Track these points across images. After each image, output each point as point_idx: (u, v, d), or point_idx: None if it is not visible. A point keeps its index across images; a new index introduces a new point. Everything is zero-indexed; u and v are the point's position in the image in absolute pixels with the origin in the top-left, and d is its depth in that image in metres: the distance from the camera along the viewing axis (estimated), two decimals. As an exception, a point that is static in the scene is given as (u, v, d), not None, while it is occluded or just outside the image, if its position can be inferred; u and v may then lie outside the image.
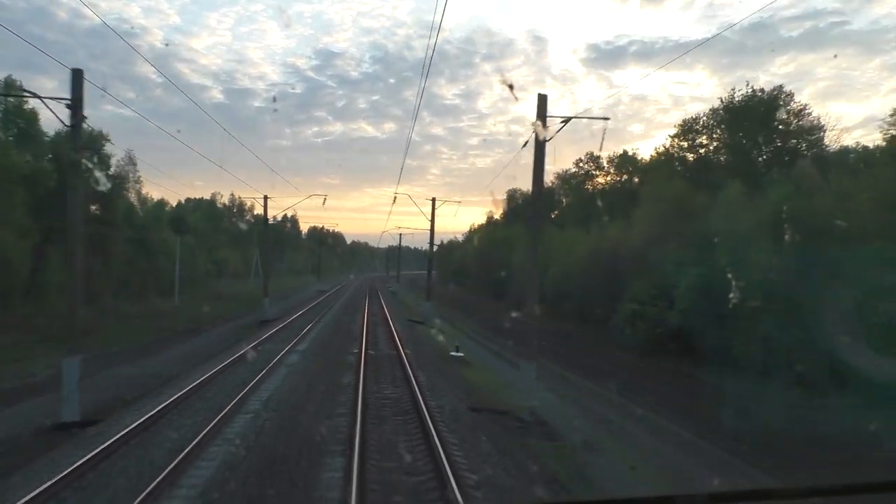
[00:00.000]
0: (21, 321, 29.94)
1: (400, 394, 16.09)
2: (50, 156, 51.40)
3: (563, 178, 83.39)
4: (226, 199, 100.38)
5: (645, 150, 59.84)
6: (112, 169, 56.11)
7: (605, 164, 69.58)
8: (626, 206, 56.31)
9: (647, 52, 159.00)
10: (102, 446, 10.76)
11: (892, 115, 29.23)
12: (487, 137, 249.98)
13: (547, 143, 15.38)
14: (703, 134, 56.89)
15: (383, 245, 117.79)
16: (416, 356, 22.39)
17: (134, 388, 16.66)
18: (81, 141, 14.60)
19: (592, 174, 71.48)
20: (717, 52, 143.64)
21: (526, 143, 16.23)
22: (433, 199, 37.31)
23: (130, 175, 70.25)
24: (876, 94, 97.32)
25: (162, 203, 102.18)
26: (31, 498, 8.39)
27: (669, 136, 62.60)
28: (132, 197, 68.95)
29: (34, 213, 36.17)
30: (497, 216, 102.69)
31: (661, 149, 62.50)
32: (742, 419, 18.26)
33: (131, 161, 71.08)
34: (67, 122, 13.92)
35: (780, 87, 44.16)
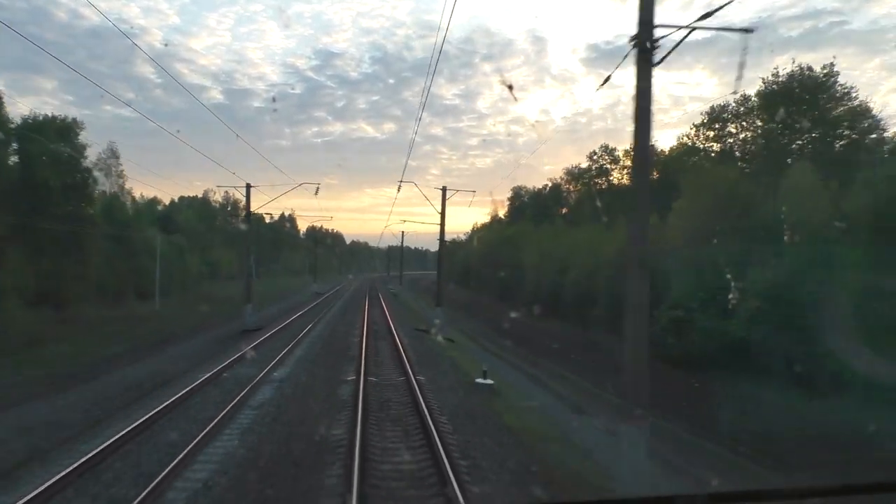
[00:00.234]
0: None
1: (419, 463, 10.17)
2: (15, 146, 45.31)
3: (573, 173, 77.73)
4: (219, 197, 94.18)
5: (664, 142, 55.41)
6: (88, 160, 50.15)
7: (620, 157, 63.70)
8: (655, 201, 50.45)
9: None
10: None
11: None
12: (487, 138, 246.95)
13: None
14: (734, 122, 51.15)
15: (383, 245, 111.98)
16: (431, 385, 16.46)
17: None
18: None
19: (606, 168, 65.56)
20: (716, 52, 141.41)
21: (608, 77, 10.28)
22: (443, 189, 31.48)
23: (113, 168, 64.61)
24: (876, 93, 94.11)
25: (154, 201, 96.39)
26: None
27: (694, 124, 56.99)
28: (113, 191, 63.08)
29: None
30: (501, 214, 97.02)
31: (685, 139, 56.85)
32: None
33: (113, 154, 65.02)
34: None
35: (832, 65, 38.27)
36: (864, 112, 38.50)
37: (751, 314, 25.32)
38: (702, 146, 54.96)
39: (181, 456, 9.78)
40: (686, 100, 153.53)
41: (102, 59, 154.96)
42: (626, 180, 62.76)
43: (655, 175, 60.25)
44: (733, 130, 51.55)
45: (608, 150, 63.81)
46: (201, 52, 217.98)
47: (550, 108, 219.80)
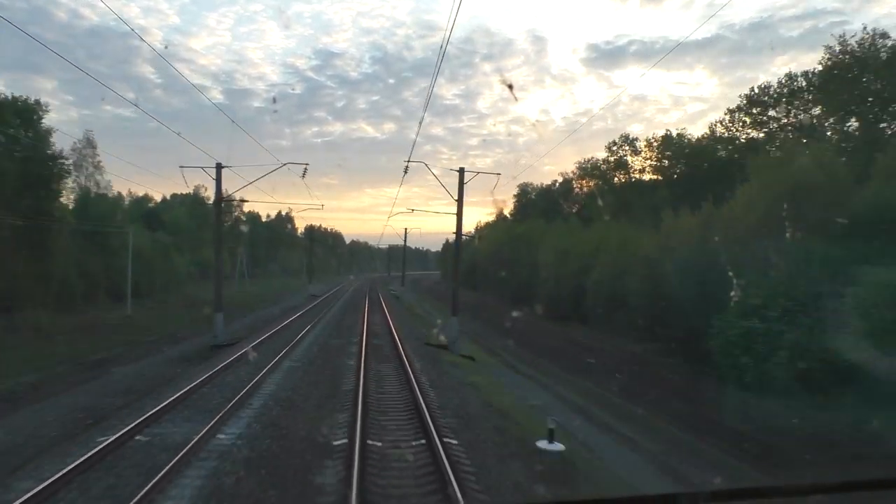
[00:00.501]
0: None
1: None
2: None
3: (585, 167, 71.21)
4: (210, 193, 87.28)
5: (693, 130, 49.69)
6: (54, 148, 43.51)
7: (641, 148, 57.13)
8: (686, 194, 43.97)
9: (647, 52, 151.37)
10: None
11: None
12: (487, 138, 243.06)
13: None
14: (778, 104, 44.64)
15: (384, 245, 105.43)
16: (472, 459, 9.88)
17: None
18: None
19: (624, 161, 58.93)
20: (716, 52, 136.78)
21: None
22: (461, 171, 24.88)
23: (89, 159, 57.85)
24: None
25: (146, 199, 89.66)
26: None
27: (728, 109, 50.45)
28: (89, 184, 56.40)
29: None
30: (507, 212, 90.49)
31: (718, 126, 50.33)
32: None
33: (90, 143, 58.24)
34: None
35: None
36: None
37: (872, 328, 18.82)
38: (737, 133, 48.54)
39: None
40: (686, 100, 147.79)
41: (102, 59, 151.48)
42: (649, 173, 56.27)
43: (679, 170, 53.83)
44: (775, 114, 45.12)
45: (628, 141, 57.24)
46: (201, 52, 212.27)
47: (550, 107, 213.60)
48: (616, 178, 59.02)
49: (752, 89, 45.93)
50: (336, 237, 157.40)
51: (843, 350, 19.77)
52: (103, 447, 9.71)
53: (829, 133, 38.03)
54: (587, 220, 56.75)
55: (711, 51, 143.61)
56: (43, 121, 42.32)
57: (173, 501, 7.98)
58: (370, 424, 11.60)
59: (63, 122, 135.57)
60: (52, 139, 42.58)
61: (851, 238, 21.82)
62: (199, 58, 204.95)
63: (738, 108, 48.01)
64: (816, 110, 42.97)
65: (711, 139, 50.49)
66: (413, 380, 15.60)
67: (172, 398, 13.28)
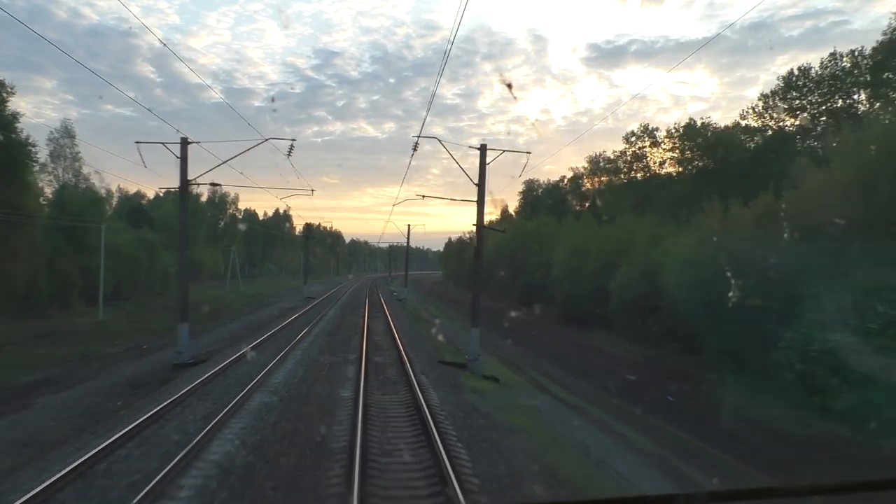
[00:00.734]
0: None
1: None
2: None
3: (596, 160, 66.24)
4: (204, 189, 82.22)
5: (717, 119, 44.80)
6: (22, 135, 38.49)
7: (661, 139, 52.12)
8: (713, 188, 39.06)
9: (648, 52, 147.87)
10: None
11: None
12: (487, 137, 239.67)
13: None
14: (819, 87, 39.71)
15: (384, 244, 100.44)
16: None
17: None
18: None
19: (639, 154, 53.90)
20: (717, 52, 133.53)
21: None
22: (482, 148, 19.94)
23: (67, 150, 52.69)
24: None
25: (138, 195, 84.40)
26: None
27: (762, 94, 45.54)
28: (67, 177, 51.28)
29: None
30: (511, 210, 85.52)
31: (749, 111, 45.39)
32: None
33: (68, 133, 53.16)
34: None
35: None
36: None
37: None
38: (771, 121, 43.62)
39: None
40: (687, 99, 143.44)
41: (101, 58, 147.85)
42: (670, 166, 51.26)
43: (702, 162, 48.89)
44: (816, 100, 40.18)
45: (648, 131, 52.25)
46: (201, 52, 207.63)
47: (551, 107, 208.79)
48: (633, 173, 54.06)
49: (790, 72, 41.03)
50: (335, 236, 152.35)
51: None
52: None
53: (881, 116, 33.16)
54: (601, 216, 51.82)
55: (712, 50, 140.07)
56: (8, 104, 37.34)
57: None
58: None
59: (62, 121, 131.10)
60: (18, 125, 37.62)
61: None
62: (199, 57, 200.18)
63: (773, 94, 43.15)
64: (862, 95, 38.18)
65: (740, 129, 45.60)
66: (433, 430, 10.60)
67: (88, 454, 8.30)
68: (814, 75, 39.72)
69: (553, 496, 8.29)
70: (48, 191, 47.06)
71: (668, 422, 16.48)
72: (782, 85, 41.37)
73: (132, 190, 78.47)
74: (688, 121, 48.57)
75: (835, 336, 19.06)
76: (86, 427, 11.95)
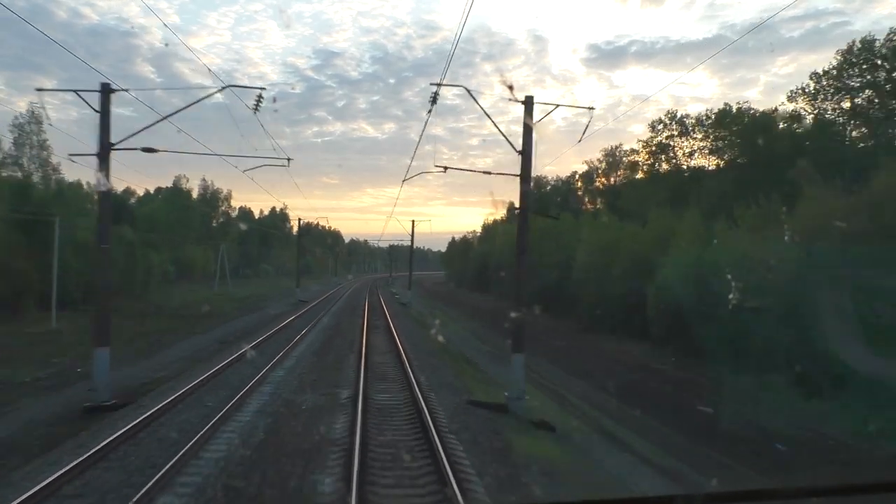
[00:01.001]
0: None
1: None
2: None
3: (613, 154, 60.29)
4: (194, 184, 76.06)
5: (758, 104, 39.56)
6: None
7: (691, 128, 46.13)
8: (751, 180, 33.23)
9: (648, 52, 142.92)
10: None
11: None
12: (487, 138, 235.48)
13: None
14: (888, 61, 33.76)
15: (384, 244, 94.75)
16: None
17: None
18: None
19: (667, 144, 47.85)
20: (717, 53, 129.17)
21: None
22: (527, 100, 14.06)
23: (34, 137, 46.56)
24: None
25: (127, 192, 78.20)
26: None
27: (815, 73, 39.57)
28: (33, 166, 45.16)
29: None
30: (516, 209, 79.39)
31: (801, 96, 39.44)
32: None
33: (35, 119, 47.12)
34: None
35: None
36: None
37: None
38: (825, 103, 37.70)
39: None
40: (687, 100, 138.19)
41: (102, 58, 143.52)
42: (700, 157, 45.33)
43: (732, 154, 42.96)
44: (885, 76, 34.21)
45: (676, 119, 46.26)
46: (201, 52, 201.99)
47: (541, 98, 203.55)
48: (660, 164, 48.06)
49: (849, 44, 35.08)
50: (334, 236, 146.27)
51: None
52: None
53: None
54: (622, 213, 45.91)
55: (712, 51, 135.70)
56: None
57: None
58: None
59: (63, 121, 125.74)
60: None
61: None
62: (199, 57, 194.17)
63: (825, 73, 37.21)
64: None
65: (784, 115, 39.69)
66: None
67: None
68: (879, 49, 33.80)
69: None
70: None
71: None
72: (841, 60, 35.37)
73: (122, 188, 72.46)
74: (723, 106, 42.65)
75: None
76: None
